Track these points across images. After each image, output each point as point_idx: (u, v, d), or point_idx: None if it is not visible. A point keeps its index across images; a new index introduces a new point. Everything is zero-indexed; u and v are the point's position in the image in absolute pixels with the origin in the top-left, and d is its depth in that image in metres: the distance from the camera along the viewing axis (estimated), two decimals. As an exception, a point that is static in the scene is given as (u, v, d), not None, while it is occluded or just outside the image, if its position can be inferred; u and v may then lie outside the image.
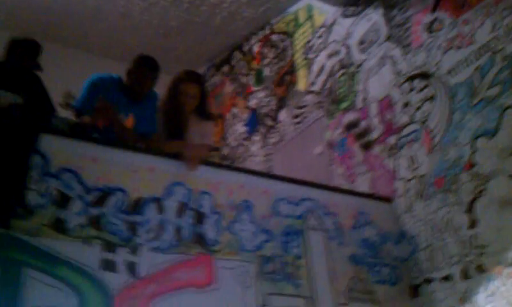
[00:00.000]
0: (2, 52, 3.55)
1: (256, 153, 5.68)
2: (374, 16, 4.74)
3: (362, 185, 4.41)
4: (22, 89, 3.27)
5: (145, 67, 3.67)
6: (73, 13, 5.78)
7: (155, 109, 3.72)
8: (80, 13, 5.79)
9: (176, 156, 3.40)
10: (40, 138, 2.95)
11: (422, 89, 4.15)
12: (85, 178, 3.01)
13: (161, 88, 3.86)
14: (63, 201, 2.90)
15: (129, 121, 3.57)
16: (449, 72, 3.98)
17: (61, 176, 2.96)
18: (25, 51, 3.33)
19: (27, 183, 2.81)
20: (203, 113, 3.87)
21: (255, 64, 6.07)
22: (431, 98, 4.06)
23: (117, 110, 3.53)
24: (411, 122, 4.17)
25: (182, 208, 3.25)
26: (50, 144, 2.98)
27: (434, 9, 4.21)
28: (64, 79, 5.75)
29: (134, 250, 2.98)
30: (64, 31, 6.03)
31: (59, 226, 2.83)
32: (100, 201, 3.01)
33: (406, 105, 4.25)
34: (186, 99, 3.73)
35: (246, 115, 6.01)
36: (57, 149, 3.01)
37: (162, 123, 3.75)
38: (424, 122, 4.07)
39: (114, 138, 3.46)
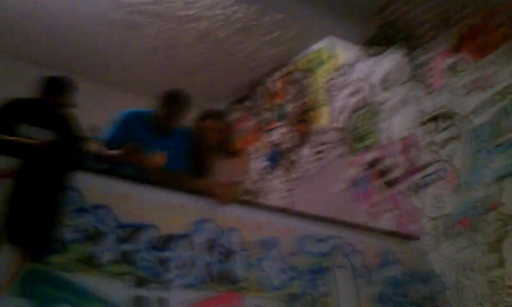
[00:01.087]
0: (30, 87, 3.63)
1: (278, 188, 5.73)
2: (397, 56, 4.83)
3: (387, 223, 4.43)
4: (56, 127, 3.35)
5: (174, 101, 3.69)
6: (99, 48, 5.93)
7: (187, 145, 3.74)
8: (106, 48, 5.94)
9: (205, 193, 3.46)
10: (75, 174, 3.03)
11: (445, 129, 4.20)
12: (118, 214, 3.08)
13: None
14: (97, 236, 2.96)
15: (160, 158, 3.61)
16: (473, 112, 4.04)
17: (95, 212, 3.03)
18: (59, 88, 3.40)
19: (62, 219, 2.88)
20: (230, 150, 3.95)
21: (277, 100, 6.17)
22: (455, 138, 4.11)
23: (145, 151, 3.55)
24: (435, 161, 4.22)
25: (211, 244, 3.30)
26: (85, 181, 3.05)
27: (456, 51, 4.29)
28: (89, 114, 5.90)
29: (165, 286, 3.02)
30: (90, 66, 6.17)
31: (93, 262, 2.89)
32: (132, 237, 3.07)
33: (430, 144, 4.29)
34: (211, 135, 3.82)
35: (267, 150, 6.08)
36: (92, 186, 3.08)
37: (189, 159, 3.81)
38: (448, 161, 4.11)
39: (146, 175, 3.52)
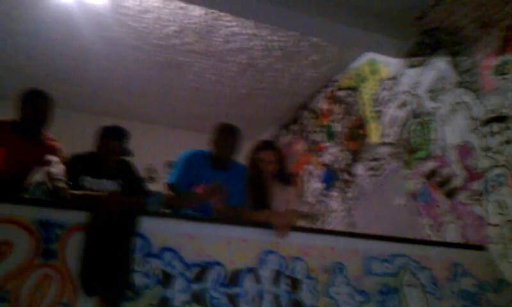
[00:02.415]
0: (88, 137, 3.74)
1: (336, 209, 5.71)
2: (440, 64, 4.77)
3: (451, 235, 4.34)
4: (117, 176, 3.46)
5: (224, 133, 3.77)
6: (148, 91, 6.14)
7: (244, 179, 3.81)
8: (155, 90, 6.14)
9: (265, 225, 3.50)
10: (141, 221, 3.13)
11: (499, 132, 4.12)
12: (184, 255, 3.15)
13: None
14: (167, 279, 3.04)
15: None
16: (526, 113, 3.95)
17: (162, 255, 3.11)
18: (115, 138, 3.51)
19: (133, 266, 2.97)
20: (285, 178, 3.99)
21: (323, 121, 6.19)
22: (511, 141, 4.01)
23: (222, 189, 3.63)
24: (494, 166, 4.13)
25: (277, 276, 3.32)
26: (149, 226, 3.14)
27: (502, 52, 4.21)
28: (144, 154, 6.08)
29: (238, 322, 3.07)
30: (140, 108, 6.39)
31: (166, 305, 2.96)
32: (200, 276, 3.13)
33: (486, 149, 4.21)
34: (266, 165, 3.87)
35: (321, 171, 6.08)
36: (156, 230, 3.17)
37: (247, 192, 3.86)
38: (508, 165, 4.02)
39: (206, 213, 3.60)
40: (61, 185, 2.94)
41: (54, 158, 3.31)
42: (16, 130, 3.45)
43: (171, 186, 3.70)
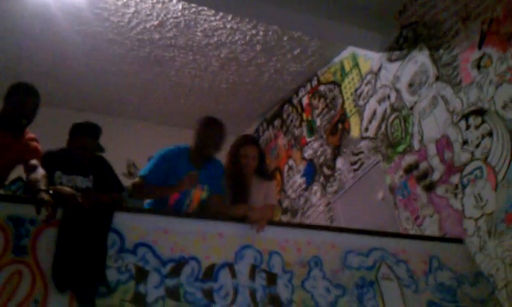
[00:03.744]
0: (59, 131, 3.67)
1: (317, 204, 5.71)
2: (420, 58, 4.78)
3: (430, 228, 4.34)
4: (90, 173, 3.43)
5: (210, 127, 3.71)
6: (129, 86, 6.08)
7: (221, 176, 3.78)
8: (135, 85, 6.09)
9: (242, 219, 3.48)
10: (114, 216, 3.10)
11: (478, 126, 4.12)
12: (159, 250, 3.13)
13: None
14: (141, 275, 3.01)
15: (198, 193, 3.66)
16: (504, 106, 3.94)
17: (136, 251, 3.09)
18: (87, 135, 3.47)
19: (106, 262, 2.94)
20: (264, 173, 3.98)
21: (305, 116, 6.18)
22: (489, 134, 4.02)
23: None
24: (472, 160, 4.13)
25: (254, 270, 3.31)
26: (123, 221, 3.12)
27: (480, 46, 4.21)
28: (126, 149, 6.05)
29: (212, 318, 3.05)
30: (122, 104, 6.33)
31: (140, 301, 2.94)
32: (175, 272, 3.11)
33: (464, 143, 4.22)
34: (247, 161, 3.84)
35: (302, 166, 6.08)
36: (131, 225, 3.15)
37: (226, 187, 3.83)
38: (485, 158, 4.02)
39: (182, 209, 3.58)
40: (45, 197, 2.88)
41: (37, 163, 3.24)
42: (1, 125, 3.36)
43: (141, 178, 3.63)
